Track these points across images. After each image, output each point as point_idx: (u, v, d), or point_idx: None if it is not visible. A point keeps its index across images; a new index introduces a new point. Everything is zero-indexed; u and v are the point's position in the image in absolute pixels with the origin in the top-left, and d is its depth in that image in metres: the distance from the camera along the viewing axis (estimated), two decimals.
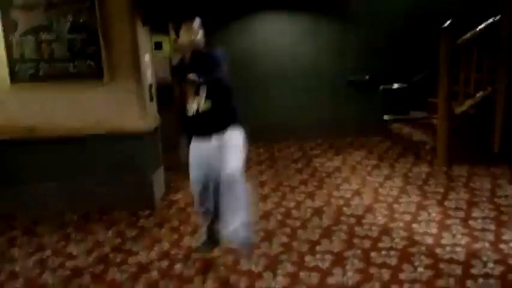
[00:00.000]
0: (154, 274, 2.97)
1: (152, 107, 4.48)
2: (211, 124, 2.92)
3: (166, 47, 5.86)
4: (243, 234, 2.76)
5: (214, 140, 2.92)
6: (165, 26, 5.79)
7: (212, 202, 3.02)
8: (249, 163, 5.74)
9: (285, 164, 5.63)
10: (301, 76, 6.95)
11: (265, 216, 3.90)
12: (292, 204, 4.15)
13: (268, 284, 2.76)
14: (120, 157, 4.14)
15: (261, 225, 3.68)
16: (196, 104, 2.89)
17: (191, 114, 2.92)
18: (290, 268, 2.94)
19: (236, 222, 2.73)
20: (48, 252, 3.38)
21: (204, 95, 2.86)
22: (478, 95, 5.04)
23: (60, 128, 4.04)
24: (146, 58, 4.34)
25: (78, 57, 3.95)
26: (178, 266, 3.06)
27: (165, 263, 3.12)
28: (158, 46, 5.74)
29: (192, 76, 2.73)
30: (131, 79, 4.05)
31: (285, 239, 3.41)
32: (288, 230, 3.59)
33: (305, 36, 6.83)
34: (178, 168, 5.61)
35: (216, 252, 3.18)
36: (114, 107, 4.07)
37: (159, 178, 4.54)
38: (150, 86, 4.43)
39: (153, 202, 4.28)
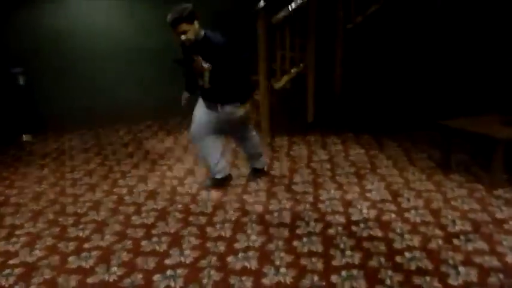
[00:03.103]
0: None
1: None
2: (212, 97, 3.55)
3: None
4: None
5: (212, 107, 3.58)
6: None
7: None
8: (73, 151, 5.30)
9: (114, 149, 5.34)
10: (125, 57, 6.62)
11: (95, 206, 3.65)
12: (124, 191, 3.97)
13: (102, 277, 2.59)
14: None
15: (91, 217, 3.43)
16: (201, 82, 3.50)
17: (199, 85, 3.55)
18: (126, 257, 2.81)
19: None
20: None
21: (207, 78, 3.41)
22: (292, 71, 5.50)
23: None
24: None
25: None
26: None
27: None
28: None
29: (200, 61, 3.34)
30: None
31: (118, 227, 3.24)
32: (121, 217, 3.42)
33: (126, 15, 6.50)
34: None
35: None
36: None
37: None
38: None
39: None
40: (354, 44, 5.57)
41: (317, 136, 5.36)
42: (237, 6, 6.90)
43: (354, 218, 3.20)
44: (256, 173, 4.11)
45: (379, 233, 2.97)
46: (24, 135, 5.93)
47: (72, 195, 3.91)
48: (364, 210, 3.31)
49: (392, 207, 3.36)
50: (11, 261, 2.83)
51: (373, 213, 3.27)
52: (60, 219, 3.43)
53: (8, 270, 2.72)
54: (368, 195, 3.60)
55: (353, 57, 5.58)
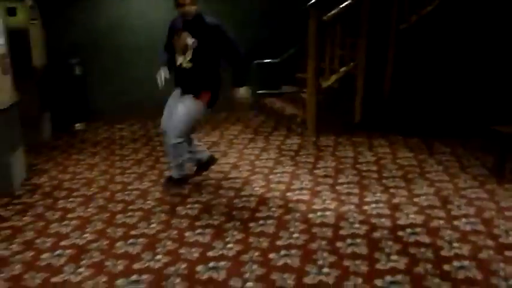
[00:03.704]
0: (17, 267, 2.66)
1: (6, 81, 3.93)
2: (187, 80, 3.58)
3: (21, 14, 5.17)
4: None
5: (184, 93, 3.63)
6: None
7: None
8: (123, 141, 5.46)
9: (161, 140, 5.44)
10: None
11: (143, 195, 3.75)
12: None
13: (148, 264, 2.65)
14: None
15: (138, 205, 3.53)
16: (181, 60, 3.52)
17: (177, 65, 3.57)
18: (171, 246, 2.87)
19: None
20: None
21: (190, 56, 3.46)
22: (341, 70, 5.42)
23: None
24: None
25: None
26: (45, 256, 2.78)
27: (29, 254, 2.81)
28: (11, 12, 5.03)
29: (184, 37, 3.43)
30: None
31: (163, 217, 3.31)
32: (167, 207, 3.49)
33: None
34: (42, 148, 5.13)
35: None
36: None
37: (18, 160, 4.05)
38: (3, 56, 3.88)
39: (11, 188, 3.82)
40: (406, 44, 5.42)
41: (364, 137, 5.27)
42: (284, 5, 6.89)
43: (400, 222, 3.12)
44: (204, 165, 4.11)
45: (426, 239, 2.88)
46: (77, 124, 6.18)
47: (121, 183, 4.03)
48: (412, 215, 3.22)
49: (442, 213, 3.25)
50: (62, 243, 2.95)
51: (420, 218, 3.17)
52: (109, 205, 3.55)
53: (59, 251, 2.84)
54: (416, 200, 3.49)
55: (405, 57, 5.44)
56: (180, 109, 3.55)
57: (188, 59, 3.49)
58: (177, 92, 3.71)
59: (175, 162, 3.72)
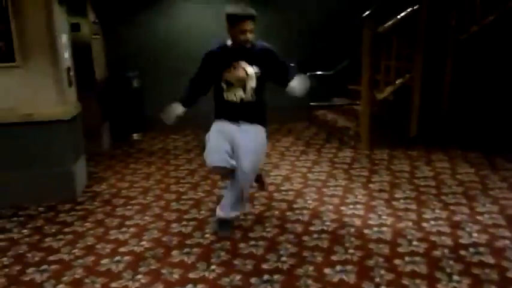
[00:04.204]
0: (79, 271, 2.77)
1: (71, 93, 4.16)
2: (248, 112, 3.10)
3: (84, 29, 5.47)
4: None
5: (241, 125, 3.10)
6: (83, 6, 5.41)
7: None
8: (177, 151, 5.60)
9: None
10: None
11: (197, 204, 3.81)
12: (224, 192, 4.09)
13: (203, 274, 2.68)
14: (36, 147, 3.81)
15: (192, 215, 3.59)
16: (240, 93, 3.05)
17: (232, 100, 3.06)
18: (224, 256, 2.89)
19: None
20: None
21: (254, 86, 3.03)
22: (397, 82, 5.29)
23: None
24: (63, 39, 4.01)
25: None
26: (105, 262, 2.88)
27: (90, 259, 2.92)
28: (76, 28, 5.33)
29: (241, 67, 2.99)
30: (47, 61, 3.73)
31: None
32: None
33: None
34: (102, 157, 5.35)
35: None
36: (28, 92, 3.73)
37: (80, 169, 4.25)
38: (68, 69, 4.11)
39: (74, 195, 4.00)
40: (466, 55, 5.21)
41: (420, 151, 5.09)
42: (338, 17, 6.85)
43: (462, 241, 2.97)
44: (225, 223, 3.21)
45: (490, 259, 2.72)
46: (134, 134, 6.41)
47: (175, 193, 4.12)
48: (474, 234, 3.06)
49: (507, 233, 3.06)
50: (121, 249, 3.05)
51: (484, 237, 3.01)
52: (164, 214, 3.63)
53: (118, 257, 2.94)
54: (479, 218, 3.32)
55: (464, 69, 5.23)
56: (251, 142, 3.00)
57: (251, 91, 3.04)
58: (224, 124, 3.14)
59: (237, 198, 3.10)
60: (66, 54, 4.10)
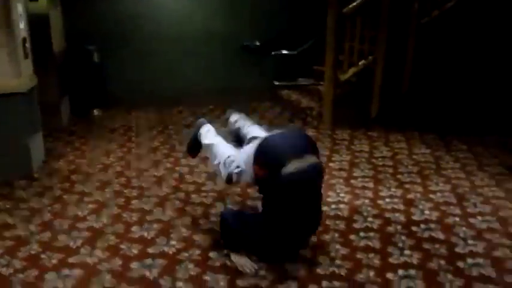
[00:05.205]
0: (35, 247, 2.72)
1: (27, 65, 3.99)
2: None
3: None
4: None
5: None
6: None
7: None
8: (139, 128, 5.52)
9: (178, 129, 5.50)
10: (194, 40, 6.82)
11: (158, 181, 3.79)
12: (185, 170, 4.09)
13: (162, 249, 2.69)
14: None
15: (153, 192, 3.57)
16: None
17: None
18: (185, 232, 2.90)
19: None
20: None
21: None
22: (360, 63, 5.37)
23: None
24: (19, 8, 3.83)
25: None
26: (62, 238, 2.84)
27: (46, 235, 2.87)
28: None
29: None
30: (0, 31, 3.56)
31: (178, 204, 3.35)
32: (182, 194, 3.53)
33: (197, 1, 6.68)
34: (61, 133, 5.21)
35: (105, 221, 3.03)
36: None
37: (37, 144, 4.13)
38: (24, 40, 3.94)
39: (30, 171, 3.90)
40: (427, 39, 5.34)
41: (380, 132, 5.23)
42: None
43: (414, 217, 3.10)
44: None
45: (440, 235, 2.86)
46: (95, 110, 6.25)
47: (137, 170, 4.08)
48: (426, 211, 3.20)
49: (457, 210, 3.22)
50: (79, 225, 3.01)
51: (435, 215, 3.15)
52: (125, 191, 3.60)
53: (76, 233, 2.90)
54: (431, 196, 3.47)
55: (425, 52, 5.36)
56: None
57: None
58: None
59: None
60: (22, 25, 3.93)
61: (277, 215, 2.37)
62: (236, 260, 2.54)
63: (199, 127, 3.11)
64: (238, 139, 3.15)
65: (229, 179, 2.68)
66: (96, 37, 6.34)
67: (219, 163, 2.74)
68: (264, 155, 2.38)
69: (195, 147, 3.13)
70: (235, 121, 3.29)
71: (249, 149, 2.54)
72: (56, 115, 5.46)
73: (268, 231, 2.38)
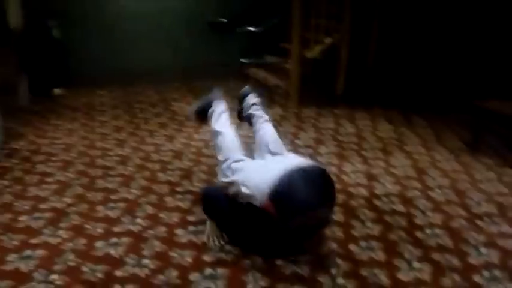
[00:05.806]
0: None
1: None
2: None
3: None
4: None
5: None
6: None
7: None
8: (103, 107, 5.40)
9: (143, 107, 5.41)
10: (158, 17, 6.64)
11: (123, 161, 3.74)
12: (151, 148, 4.04)
13: (128, 227, 2.67)
14: None
15: (118, 171, 3.52)
16: None
17: None
18: (150, 210, 2.89)
19: None
20: None
21: None
22: (326, 41, 5.40)
23: None
24: None
25: None
26: (23, 218, 2.77)
27: (7, 217, 2.79)
28: None
29: None
30: None
31: (144, 182, 3.32)
32: (147, 173, 3.50)
33: None
34: (20, 112, 5.03)
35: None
36: None
37: None
38: None
39: None
40: (391, 16, 5.41)
41: (345, 109, 5.31)
42: None
43: (377, 191, 3.20)
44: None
45: (401, 208, 2.97)
46: (56, 89, 6.05)
47: (101, 149, 4.00)
48: (388, 185, 3.30)
49: (417, 184, 3.34)
50: (41, 206, 2.94)
51: (397, 188, 3.26)
52: (89, 170, 3.53)
53: (38, 214, 2.83)
54: (393, 171, 3.57)
55: (389, 30, 5.44)
56: None
57: None
58: None
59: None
60: None
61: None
62: (208, 228, 2.55)
63: (212, 100, 3.05)
64: (244, 119, 3.16)
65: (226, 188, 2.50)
66: (57, 13, 6.08)
67: (221, 161, 2.63)
68: (281, 202, 2.15)
69: (201, 116, 3.10)
70: (252, 104, 3.19)
71: (264, 175, 2.25)
72: (14, 94, 5.25)
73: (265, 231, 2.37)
